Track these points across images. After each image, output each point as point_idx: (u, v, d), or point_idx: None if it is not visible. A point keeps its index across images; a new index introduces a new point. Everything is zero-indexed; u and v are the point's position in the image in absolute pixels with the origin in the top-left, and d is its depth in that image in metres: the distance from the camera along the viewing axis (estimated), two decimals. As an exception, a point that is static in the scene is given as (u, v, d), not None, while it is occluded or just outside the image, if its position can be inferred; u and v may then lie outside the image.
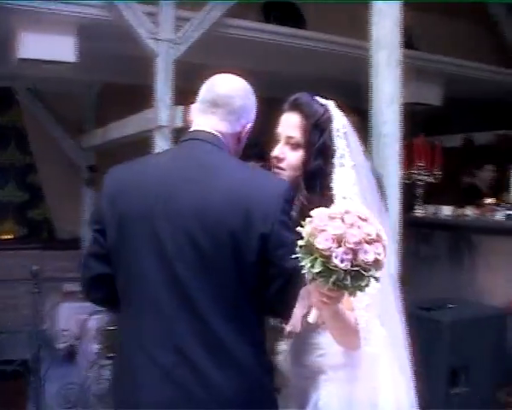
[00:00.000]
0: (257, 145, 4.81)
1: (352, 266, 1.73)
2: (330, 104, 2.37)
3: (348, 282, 1.74)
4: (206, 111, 2.08)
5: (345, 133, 2.32)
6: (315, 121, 2.26)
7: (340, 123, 2.32)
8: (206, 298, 1.84)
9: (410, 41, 8.31)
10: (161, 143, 5.80)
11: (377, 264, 1.76)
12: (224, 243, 1.85)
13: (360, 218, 1.77)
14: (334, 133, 2.29)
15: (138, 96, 5.92)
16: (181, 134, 5.61)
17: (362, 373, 2.20)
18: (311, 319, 1.90)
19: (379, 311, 2.16)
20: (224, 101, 2.07)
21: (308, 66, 7.39)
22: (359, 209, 1.81)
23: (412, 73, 8.02)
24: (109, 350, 4.99)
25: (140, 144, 6.16)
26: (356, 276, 1.74)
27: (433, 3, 8.12)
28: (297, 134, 2.26)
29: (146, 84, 5.81)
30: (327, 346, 2.19)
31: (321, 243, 1.74)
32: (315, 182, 2.22)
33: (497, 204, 5.14)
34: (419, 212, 5.05)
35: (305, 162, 2.25)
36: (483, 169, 6.98)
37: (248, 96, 2.14)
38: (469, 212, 5.23)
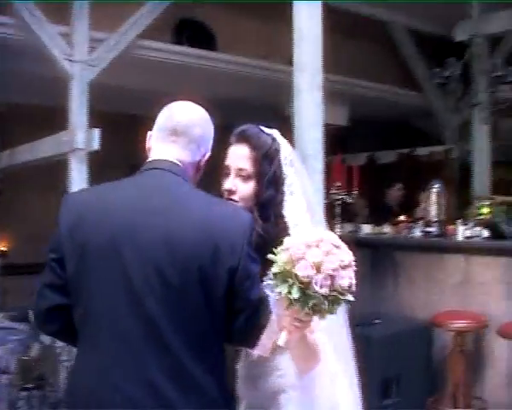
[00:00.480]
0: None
1: (330, 292, 1.78)
2: (276, 133, 2.39)
3: (326, 306, 1.79)
4: (166, 140, 2.02)
5: (291, 161, 2.35)
6: (264, 152, 2.26)
7: (287, 151, 2.35)
8: (174, 330, 1.81)
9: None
10: (77, 167, 5.66)
11: (351, 288, 1.83)
12: (192, 277, 1.81)
13: (334, 245, 1.83)
14: (283, 162, 2.32)
15: (49, 118, 5.77)
16: (96, 158, 5.63)
17: (321, 391, 2.24)
18: (281, 342, 1.90)
19: (327, 328, 2.22)
20: (184, 130, 2.02)
21: (220, 88, 7.45)
22: (331, 236, 1.87)
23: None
24: (26, 381, 4.80)
25: (51, 168, 6.03)
26: (333, 300, 1.80)
27: (336, 25, 8.40)
28: (247, 166, 2.25)
29: (58, 105, 5.67)
30: (285, 366, 2.22)
31: (301, 270, 1.77)
32: (268, 211, 2.23)
33: (411, 221, 5.36)
34: (339, 231, 5.19)
35: (258, 193, 2.24)
36: (392, 188, 7.27)
37: (208, 125, 2.11)
38: (387, 230, 5.43)
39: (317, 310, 1.80)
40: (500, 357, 4.24)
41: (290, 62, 8.09)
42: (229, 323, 1.89)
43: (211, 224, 1.87)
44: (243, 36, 7.64)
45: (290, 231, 2.17)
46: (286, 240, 1.87)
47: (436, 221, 4.73)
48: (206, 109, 2.16)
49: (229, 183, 2.28)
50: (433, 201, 4.78)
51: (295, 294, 1.78)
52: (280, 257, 1.83)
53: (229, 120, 9.20)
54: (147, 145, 2.09)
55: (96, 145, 5.59)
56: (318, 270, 1.78)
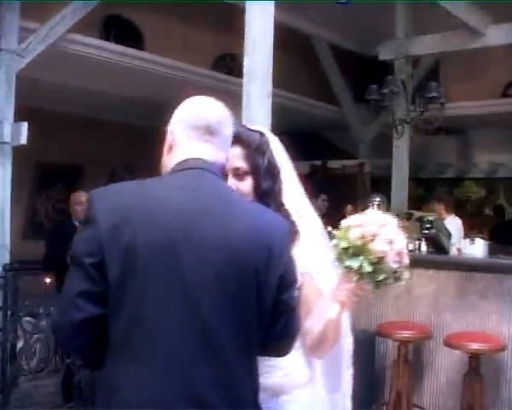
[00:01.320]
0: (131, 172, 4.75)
1: (398, 268, 1.93)
2: (261, 128, 2.42)
3: (391, 281, 1.94)
4: (200, 138, 1.90)
5: (282, 150, 2.38)
6: (255, 147, 2.28)
7: (276, 143, 2.38)
8: (227, 340, 1.73)
9: (235, 67, 8.61)
10: (2, 161, 5.36)
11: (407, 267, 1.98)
12: (248, 283, 1.72)
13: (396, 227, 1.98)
14: (274, 152, 2.34)
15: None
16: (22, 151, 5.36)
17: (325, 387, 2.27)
18: (333, 314, 2.00)
19: None
20: (217, 129, 1.91)
21: (143, 88, 7.31)
22: (392, 219, 1.99)
23: (232, 101, 8.26)
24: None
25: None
26: (397, 276, 1.95)
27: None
28: (242, 164, 2.25)
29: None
30: (288, 366, 2.21)
31: (378, 245, 1.90)
32: (268, 202, 2.24)
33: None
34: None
35: (256, 187, 2.25)
36: (317, 199, 7.36)
37: (232, 124, 2.06)
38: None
39: (383, 284, 1.93)
40: (441, 366, 4.39)
41: (215, 68, 8.15)
42: (267, 329, 1.84)
43: (264, 228, 1.80)
44: (171, 38, 7.55)
45: (293, 218, 2.18)
46: (352, 218, 1.97)
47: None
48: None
49: (228, 184, 2.26)
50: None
51: (368, 268, 1.90)
52: (350, 233, 1.92)
53: (147, 121, 9.06)
54: (169, 141, 1.91)
55: (23, 140, 5.31)
56: (391, 247, 1.91)
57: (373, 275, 1.91)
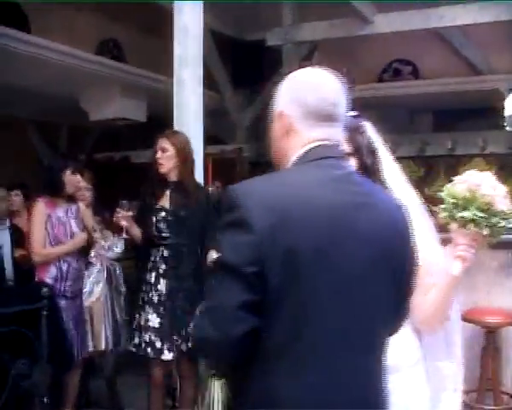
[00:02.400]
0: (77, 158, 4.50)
1: (507, 210, 2.11)
2: (351, 111, 2.46)
3: (502, 225, 2.09)
4: (324, 122, 1.74)
5: (372, 129, 2.41)
6: (354, 127, 2.29)
7: (367, 125, 2.41)
8: (383, 335, 1.72)
9: (119, 54, 8.34)
10: None
11: None
12: (403, 276, 1.75)
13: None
14: (368, 134, 2.37)
15: None
16: None
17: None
18: (456, 270, 2.10)
19: None
20: (338, 108, 1.76)
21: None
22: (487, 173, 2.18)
23: (117, 87, 8.03)
24: None
25: None
26: (508, 217, 2.12)
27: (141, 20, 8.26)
28: (345, 145, 2.27)
29: None
30: (399, 344, 2.24)
31: (485, 190, 2.09)
32: (373, 181, 2.24)
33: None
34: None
35: (360, 165, 2.27)
36: (210, 185, 7.33)
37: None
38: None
39: (496, 229, 2.09)
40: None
41: (99, 54, 7.81)
42: None
43: (397, 212, 1.78)
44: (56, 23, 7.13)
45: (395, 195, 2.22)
46: (456, 179, 2.19)
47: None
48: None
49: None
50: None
51: (481, 214, 2.06)
52: (457, 189, 2.13)
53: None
54: (284, 125, 1.76)
55: None
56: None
57: (487, 220, 2.07)
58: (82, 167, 4.83)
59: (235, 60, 9.01)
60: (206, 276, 3.89)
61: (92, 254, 4.81)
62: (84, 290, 4.63)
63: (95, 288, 4.79)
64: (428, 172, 9.61)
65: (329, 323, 1.61)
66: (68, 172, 4.33)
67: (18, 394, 4.13)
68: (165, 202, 4.03)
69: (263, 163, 8.92)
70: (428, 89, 8.63)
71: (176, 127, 4.49)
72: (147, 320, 3.94)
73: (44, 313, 3.96)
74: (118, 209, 3.99)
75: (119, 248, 4.95)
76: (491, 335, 4.28)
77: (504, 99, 7.40)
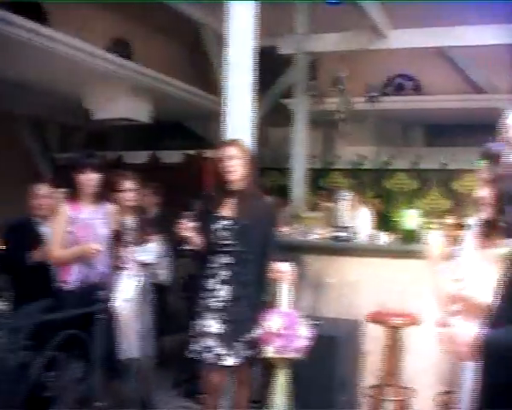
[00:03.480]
0: (92, 156, 4.30)
1: None
2: None
3: None
4: None
5: None
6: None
7: None
8: None
9: (129, 54, 8.21)
10: None
11: None
12: None
13: None
14: None
15: None
16: None
17: None
18: None
19: None
20: None
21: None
22: None
23: (125, 87, 7.91)
24: None
25: None
26: None
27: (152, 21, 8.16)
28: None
29: None
30: None
31: None
32: None
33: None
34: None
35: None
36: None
37: None
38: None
39: None
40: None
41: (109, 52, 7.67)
42: None
43: None
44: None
45: None
46: None
47: (346, 227, 4.96)
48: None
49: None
50: (342, 207, 5.00)
51: None
52: None
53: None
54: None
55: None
56: None
57: None
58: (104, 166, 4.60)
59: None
60: (269, 284, 3.96)
61: (122, 258, 4.58)
62: (113, 296, 4.46)
63: (124, 294, 4.57)
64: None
65: None
66: (89, 171, 4.18)
67: (75, 397, 4.06)
68: (228, 210, 3.99)
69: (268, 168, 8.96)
70: (429, 105, 8.81)
71: (227, 133, 4.50)
72: (206, 327, 3.88)
73: (99, 316, 3.88)
74: (181, 220, 3.94)
75: (150, 253, 4.78)
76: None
77: (503, 117, 7.56)
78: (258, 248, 3.96)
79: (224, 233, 3.93)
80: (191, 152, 9.32)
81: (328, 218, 6.54)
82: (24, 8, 6.26)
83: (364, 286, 4.83)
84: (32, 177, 9.86)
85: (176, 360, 5.50)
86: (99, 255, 4.14)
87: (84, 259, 4.11)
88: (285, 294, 3.63)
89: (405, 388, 4.61)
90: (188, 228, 3.91)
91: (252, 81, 4.63)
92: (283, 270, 3.73)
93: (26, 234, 4.64)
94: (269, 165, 9.60)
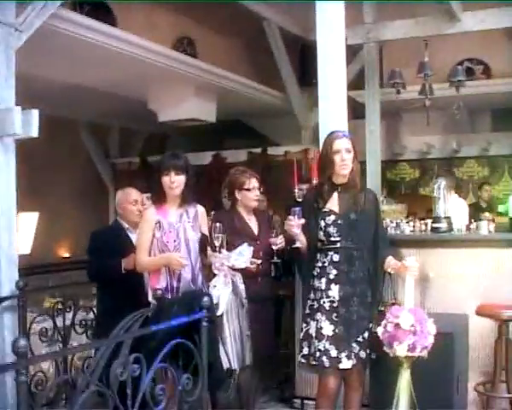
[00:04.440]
0: (178, 157, 4.10)
1: None
2: None
3: None
4: None
5: None
6: None
7: None
8: None
9: (193, 52, 8.13)
10: (6, 158, 4.49)
11: None
12: None
13: None
14: None
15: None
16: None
17: None
18: None
19: None
20: None
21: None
22: None
23: (191, 87, 7.83)
24: None
25: None
26: None
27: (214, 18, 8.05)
28: None
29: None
30: None
31: None
32: None
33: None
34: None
35: None
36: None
37: None
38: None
39: None
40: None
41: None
42: None
43: None
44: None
45: None
46: None
47: (445, 217, 4.75)
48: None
49: None
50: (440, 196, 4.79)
51: None
52: None
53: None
54: None
55: (35, 131, 4.47)
56: None
57: None
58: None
59: (302, 59, 8.82)
60: (380, 280, 3.87)
61: (215, 264, 4.29)
62: (213, 303, 4.21)
63: (220, 301, 4.30)
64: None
65: None
66: (173, 174, 3.98)
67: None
68: (334, 205, 3.84)
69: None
70: (499, 88, 8.52)
71: (321, 129, 4.38)
72: (320, 328, 3.74)
73: (205, 324, 3.73)
74: (290, 217, 3.78)
75: (244, 257, 4.51)
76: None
77: None
78: (367, 244, 3.84)
79: (331, 229, 3.78)
80: (256, 150, 9.23)
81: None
82: (93, 9, 6.22)
83: (468, 278, 4.61)
84: (95, 183, 9.95)
85: (267, 364, 5.31)
86: (185, 265, 3.96)
87: (170, 267, 3.95)
88: (411, 290, 3.51)
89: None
90: (298, 225, 3.77)
91: (345, 72, 4.52)
92: (409, 265, 3.61)
93: (117, 242, 4.53)
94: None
